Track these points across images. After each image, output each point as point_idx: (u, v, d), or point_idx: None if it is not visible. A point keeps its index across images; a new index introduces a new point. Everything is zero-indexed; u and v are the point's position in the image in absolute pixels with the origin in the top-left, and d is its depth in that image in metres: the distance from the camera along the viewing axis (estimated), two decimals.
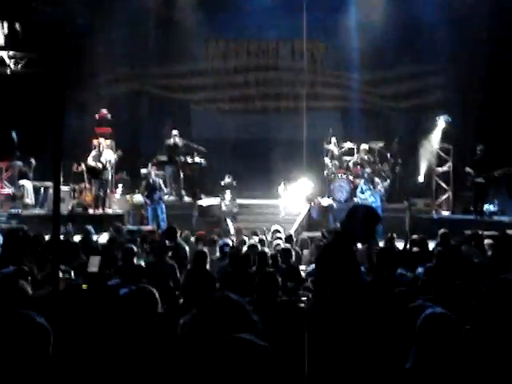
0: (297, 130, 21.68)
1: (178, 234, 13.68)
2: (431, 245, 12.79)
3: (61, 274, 7.41)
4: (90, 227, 14.46)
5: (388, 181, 19.25)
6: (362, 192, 18.20)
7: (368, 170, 19.01)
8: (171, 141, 20.03)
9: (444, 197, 19.91)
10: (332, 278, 6.07)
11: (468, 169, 18.66)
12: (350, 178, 19.58)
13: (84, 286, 5.01)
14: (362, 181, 18.51)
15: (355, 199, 18.51)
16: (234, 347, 2.43)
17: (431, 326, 3.86)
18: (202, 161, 20.10)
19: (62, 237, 13.21)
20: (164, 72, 22.72)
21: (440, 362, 3.73)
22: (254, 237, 14.12)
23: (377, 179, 18.56)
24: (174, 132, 20.11)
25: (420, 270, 9.53)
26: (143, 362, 4.09)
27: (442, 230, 13.73)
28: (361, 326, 4.50)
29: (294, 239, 14.30)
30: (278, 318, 4.96)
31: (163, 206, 18.45)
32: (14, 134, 19.59)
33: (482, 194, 18.71)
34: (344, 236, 6.39)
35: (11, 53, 19.89)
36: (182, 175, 20.03)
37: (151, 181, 18.54)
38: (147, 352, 4.22)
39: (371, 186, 18.20)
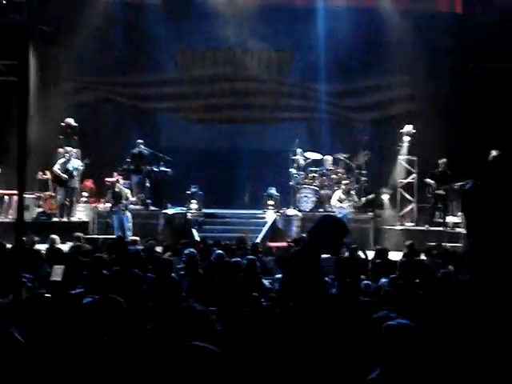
0: (263, 141, 21.77)
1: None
2: (395, 256, 12.90)
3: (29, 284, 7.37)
4: (55, 236, 14.36)
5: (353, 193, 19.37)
6: (340, 201, 18.38)
7: (345, 181, 19.21)
8: (136, 150, 19.98)
9: (408, 208, 20.09)
10: (296, 288, 6.08)
11: (428, 180, 18.89)
12: (316, 188, 19.66)
13: (47, 295, 4.97)
14: (340, 190, 18.69)
15: (333, 208, 18.61)
16: (187, 354, 2.43)
17: (394, 336, 3.89)
18: (168, 170, 20.06)
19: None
20: (131, 81, 22.63)
21: (403, 372, 3.76)
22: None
23: (352, 191, 18.76)
24: (139, 141, 20.07)
25: (383, 280, 9.62)
26: (104, 371, 4.06)
27: (407, 242, 13.87)
28: (324, 336, 4.53)
29: (260, 249, 14.33)
30: (243, 327, 4.96)
31: (129, 215, 18.41)
32: None
33: (443, 206, 18.97)
34: (310, 246, 6.41)
35: None
36: (148, 184, 19.96)
37: (117, 189, 18.49)
38: (109, 360, 4.19)
39: (349, 197, 18.42)
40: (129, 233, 17.76)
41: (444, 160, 18.85)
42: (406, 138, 20.18)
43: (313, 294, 5.92)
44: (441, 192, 18.69)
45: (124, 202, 18.34)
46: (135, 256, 11.59)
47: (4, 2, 13.27)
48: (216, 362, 2.42)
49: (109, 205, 18.80)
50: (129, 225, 18.29)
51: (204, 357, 2.42)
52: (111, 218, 18.55)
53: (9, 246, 13.19)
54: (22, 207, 4.44)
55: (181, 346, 2.46)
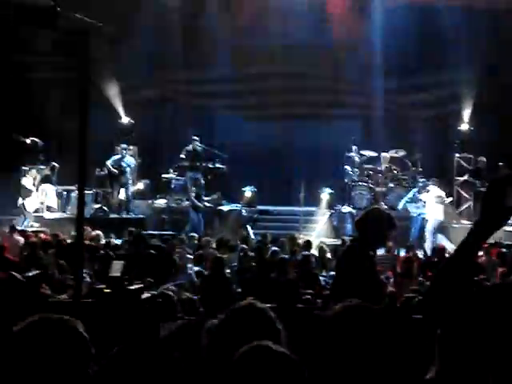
0: (319, 138, 21.68)
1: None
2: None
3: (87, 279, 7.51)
4: (98, 232, 14.63)
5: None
6: (415, 201, 18.29)
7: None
8: (191, 146, 20.06)
9: (465, 206, 19.83)
10: (350, 285, 6.05)
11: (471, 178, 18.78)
12: (371, 185, 19.50)
13: (106, 291, 5.06)
14: (416, 189, 18.57)
15: (403, 207, 18.54)
16: (255, 355, 2.44)
17: (452, 334, 3.85)
18: (223, 166, 20.13)
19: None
20: (188, 78, 22.74)
21: (462, 370, 3.72)
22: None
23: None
24: (194, 137, 20.15)
25: None
26: (164, 368, 4.11)
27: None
28: (384, 334, 4.47)
29: (314, 246, 14.33)
30: (298, 325, 4.97)
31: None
32: (37, 139, 19.76)
33: None
34: (358, 242, 6.34)
35: (36, 58, 20.08)
36: (203, 181, 20.07)
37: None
38: (168, 357, 4.24)
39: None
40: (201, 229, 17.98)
41: (483, 158, 18.67)
42: (463, 136, 19.94)
43: (368, 292, 5.90)
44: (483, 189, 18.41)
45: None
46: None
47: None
48: (285, 363, 2.43)
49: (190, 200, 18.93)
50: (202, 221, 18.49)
51: (273, 358, 2.43)
52: (190, 214, 18.64)
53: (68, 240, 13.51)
54: (82, 203, 4.52)
55: (248, 346, 2.46)
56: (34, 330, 2.56)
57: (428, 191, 18.26)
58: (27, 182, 19.06)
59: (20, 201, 18.74)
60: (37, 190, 19.49)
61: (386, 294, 6.59)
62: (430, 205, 17.91)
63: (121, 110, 21.26)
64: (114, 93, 21.11)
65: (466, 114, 20.70)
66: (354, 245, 6.35)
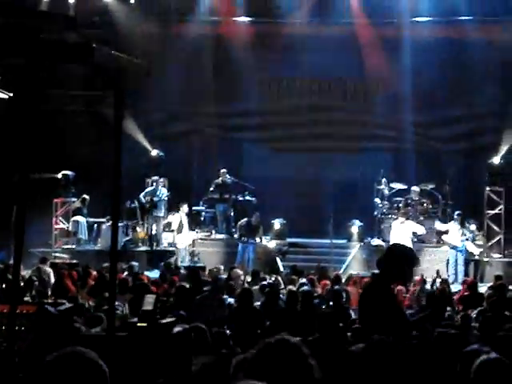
0: (348, 170, 21.68)
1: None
2: (481, 288, 12.67)
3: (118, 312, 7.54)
4: (135, 263, 14.71)
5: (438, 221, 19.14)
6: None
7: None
8: (220, 179, 20.16)
9: (495, 239, 19.68)
10: (374, 320, 6.03)
11: None
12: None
13: (140, 324, 5.09)
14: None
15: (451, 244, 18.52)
16: None
17: (487, 371, 3.83)
18: (253, 199, 20.18)
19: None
20: (216, 111, 22.93)
21: None
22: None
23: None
24: (223, 170, 20.25)
25: (473, 312, 9.44)
26: None
27: (496, 273, 13.60)
28: (413, 368, 4.47)
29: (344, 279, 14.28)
30: (330, 361, 4.96)
31: (254, 247, 18.61)
32: (68, 172, 19.99)
33: None
34: (381, 277, 6.34)
35: (67, 92, 20.37)
36: (232, 213, 20.12)
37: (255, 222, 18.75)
38: None
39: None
40: (251, 264, 17.95)
41: None
42: (494, 169, 19.84)
43: (393, 326, 5.88)
44: None
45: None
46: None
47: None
48: None
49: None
50: (253, 256, 18.46)
51: None
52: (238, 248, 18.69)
53: (94, 272, 13.59)
54: (116, 235, 4.55)
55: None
56: (61, 364, 2.66)
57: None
58: (175, 219, 19.28)
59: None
60: (68, 222, 19.69)
61: (410, 325, 6.56)
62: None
63: (148, 144, 21.44)
64: (145, 125, 21.31)
65: (497, 146, 20.59)
66: (375, 280, 6.36)
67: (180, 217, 19.14)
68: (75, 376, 2.64)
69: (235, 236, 19.35)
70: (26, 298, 10.59)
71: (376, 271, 14.73)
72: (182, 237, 18.98)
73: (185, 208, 19.24)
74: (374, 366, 2.85)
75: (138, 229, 19.70)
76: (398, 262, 6.12)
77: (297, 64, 21.98)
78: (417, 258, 6.42)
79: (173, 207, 20.30)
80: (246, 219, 18.93)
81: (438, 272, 15.36)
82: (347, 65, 21.75)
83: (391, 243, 6.98)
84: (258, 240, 18.88)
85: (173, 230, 19.85)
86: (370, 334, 5.48)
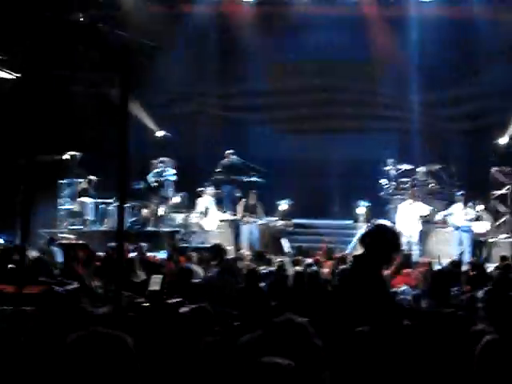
0: (354, 151, 21.66)
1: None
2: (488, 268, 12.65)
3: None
4: (144, 244, 14.73)
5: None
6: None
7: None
8: (226, 160, 20.13)
9: (502, 220, 19.64)
10: (358, 308, 5.84)
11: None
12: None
13: (145, 304, 5.11)
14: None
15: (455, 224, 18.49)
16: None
17: (491, 352, 3.83)
18: (259, 180, 20.15)
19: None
20: (222, 92, 22.89)
21: None
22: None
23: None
24: (230, 151, 20.22)
25: (479, 293, 9.43)
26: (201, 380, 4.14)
27: (502, 254, 13.58)
28: (417, 349, 4.46)
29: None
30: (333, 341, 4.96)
31: (255, 226, 18.64)
32: (75, 152, 20.01)
33: None
34: (367, 260, 6.08)
35: (74, 72, 20.32)
36: (238, 194, 20.12)
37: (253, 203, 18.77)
38: (205, 369, 4.27)
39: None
40: (257, 243, 18.04)
41: None
42: (500, 149, 19.78)
43: (381, 312, 5.75)
44: None
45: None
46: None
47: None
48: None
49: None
50: (256, 236, 18.53)
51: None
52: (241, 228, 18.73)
53: (100, 253, 13.63)
54: (122, 216, 4.56)
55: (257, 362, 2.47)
56: (86, 344, 2.62)
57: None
58: (201, 202, 19.24)
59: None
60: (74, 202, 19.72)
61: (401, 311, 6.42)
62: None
63: (153, 124, 21.41)
64: (151, 106, 21.28)
65: (504, 126, 20.51)
66: (360, 263, 6.09)
67: (206, 200, 19.03)
68: (101, 357, 2.58)
69: (237, 217, 19.32)
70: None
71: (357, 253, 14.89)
72: (208, 219, 18.86)
73: (210, 191, 19.14)
74: (381, 347, 2.85)
75: (144, 210, 19.72)
76: (386, 246, 5.96)
77: (302, 44, 21.89)
78: (399, 241, 6.24)
79: (180, 188, 20.30)
80: (243, 200, 18.97)
81: (439, 257, 15.34)
82: (352, 45, 21.64)
83: (378, 223, 6.72)
84: (259, 219, 18.85)
85: (178, 211, 19.88)
86: (354, 322, 5.41)
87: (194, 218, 19.07)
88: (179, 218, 19.69)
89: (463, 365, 4.59)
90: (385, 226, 6.69)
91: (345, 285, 6.09)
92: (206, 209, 18.91)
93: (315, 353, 2.88)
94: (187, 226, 19.19)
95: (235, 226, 19.09)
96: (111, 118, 15.78)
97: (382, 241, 6.03)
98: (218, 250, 12.89)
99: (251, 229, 18.56)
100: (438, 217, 19.06)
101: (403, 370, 3.23)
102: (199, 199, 19.29)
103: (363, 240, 6.06)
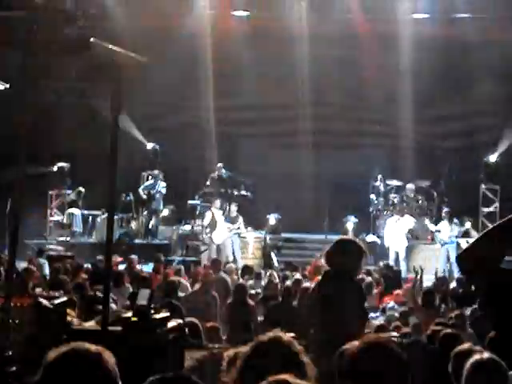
0: (343, 166, 21.68)
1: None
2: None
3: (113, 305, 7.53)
4: (134, 256, 14.70)
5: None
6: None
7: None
8: (216, 174, 20.13)
9: None
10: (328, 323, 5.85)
11: None
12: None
13: (133, 319, 5.09)
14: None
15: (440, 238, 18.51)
16: None
17: (479, 371, 3.83)
18: (248, 194, 20.14)
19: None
20: (213, 105, 22.87)
21: None
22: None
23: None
24: (219, 164, 20.22)
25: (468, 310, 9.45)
26: None
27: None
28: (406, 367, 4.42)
29: None
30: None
31: (236, 238, 18.59)
32: (64, 164, 19.97)
33: None
34: (339, 272, 6.14)
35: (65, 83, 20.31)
36: (228, 207, 20.08)
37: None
38: None
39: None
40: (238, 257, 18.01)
41: None
42: (490, 167, 19.87)
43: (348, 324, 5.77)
44: None
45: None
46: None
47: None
48: None
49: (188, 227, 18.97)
50: (237, 247, 18.47)
51: None
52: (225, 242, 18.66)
53: (86, 265, 13.60)
54: (111, 228, 4.56)
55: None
56: (65, 361, 2.62)
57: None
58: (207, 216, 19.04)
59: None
60: (63, 214, 19.67)
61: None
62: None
63: (142, 137, 21.40)
64: (140, 118, 21.26)
65: (494, 144, 20.60)
66: (334, 276, 6.16)
67: (212, 213, 18.88)
68: (80, 375, 2.60)
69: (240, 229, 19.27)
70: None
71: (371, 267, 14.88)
72: (217, 232, 18.72)
73: (217, 203, 19.02)
74: (369, 365, 2.84)
75: (133, 222, 19.69)
76: (354, 256, 6.07)
77: (294, 59, 21.92)
78: (363, 250, 6.36)
79: (168, 200, 20.27)
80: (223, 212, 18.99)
81: (421, 270, 15.24)
82: (344, 60, 21.69)
83: (338, 238, 6.80)
84: (240, 231, 18.77)
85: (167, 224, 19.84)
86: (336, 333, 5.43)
87: (203, 231, 18.96)
88: (187, 228, 19.58)
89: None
90: (348, 238, 6.83)
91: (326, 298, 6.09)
92: (213, 221, 18.72)
93: (302, 370, 2.87)
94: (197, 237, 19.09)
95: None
96: (101, 129, 15.80)
97: (357, 251, 6.16)
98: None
99: (232, 241, 18.51)
100: (427, 233, 19.11)
101: None
102: (206, 213, 19.09)
103: (340, 254, 6.13)
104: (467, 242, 18.34)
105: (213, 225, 18.65)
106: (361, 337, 3.60)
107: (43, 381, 2.61)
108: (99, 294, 8.99)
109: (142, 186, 19.54)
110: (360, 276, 14.98)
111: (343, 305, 5.83)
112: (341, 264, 6.09)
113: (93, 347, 2.66)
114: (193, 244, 19.15)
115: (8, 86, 16.89)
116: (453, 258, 17.94)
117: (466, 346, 4.90)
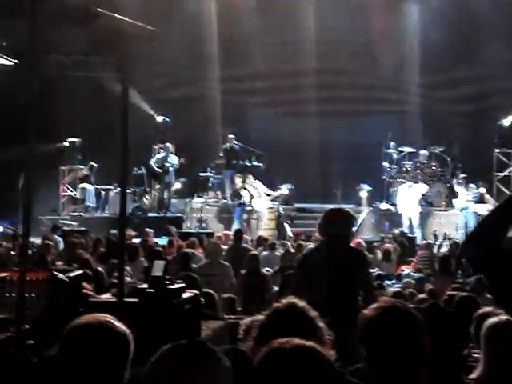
0: (355, 134, 21.57)
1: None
2: None
3: (127, 278, 7.55)
4: (150, 230, 14.72)
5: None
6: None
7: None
8: (227, 144, 20.06)
9: None
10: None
11: None
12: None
13: (149, 290, 5.10)
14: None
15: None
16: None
17: (497, 333, 3.79)
18: (260, 164, 20.08)
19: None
20: (222, 75, 22.75)
21: (510, 370, 3.65)
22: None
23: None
24: (231, 136, 20.14)
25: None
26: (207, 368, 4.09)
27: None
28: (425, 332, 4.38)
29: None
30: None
31: (241, 209, 18.59)
32: (75, 139, 19.97)
33: None
34: (336, 240, 6.13)
35: (72, 57, 20.23)
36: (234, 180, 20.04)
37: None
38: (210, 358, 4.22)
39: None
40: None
41: None
42: (503, 130, 19.71)
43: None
44: None
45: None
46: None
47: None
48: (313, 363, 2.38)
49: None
50: (241, 218, 18.44)
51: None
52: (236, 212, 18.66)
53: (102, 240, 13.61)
54: (124, 202, 4.55)
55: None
56: (82, 331, 2.69)
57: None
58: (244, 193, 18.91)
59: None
60: (76, 189, 19.70)
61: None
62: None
63: (151, 109, 21.31)
64: (150, 90, 21.17)
65: (507, 108, 20.42)
66: (332, 245, 6.14)
67: (248, 188, 18.82)
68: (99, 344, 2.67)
69: (228, 202, 19.29)
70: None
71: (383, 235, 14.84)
72: (259, 200, 18.72)
73: (250, 179, 19.00)
74: (388, 330, 2.81)
75: (146, 196, 19.69)
76: (344, 223, 6.09)
77: (301, 26, 21.75)
78: (353, 219, 6.40)
79: (179, 173, 20.23)
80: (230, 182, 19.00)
81: (445, 235, 15.23)
82: (352, 27, 21.54)
83: (327, 209, 6.78)
84: (247, 201, 18.73)
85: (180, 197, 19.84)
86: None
87: (254, 202, 18.88)
88: (180, 203, 19.61)
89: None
90: (338, 209, 6.83)
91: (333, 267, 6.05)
92: (251, 196, 18.66)
93: (318, 335, 2.87)
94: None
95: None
96: (111, 103, 15.76)
97: (349, 219, 6.19)
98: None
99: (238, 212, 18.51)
100: (441, 199, 19.04)
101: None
102: (246, 184, 19.01)
103: (333, 224, 6.13)
104: (487, 210, 18.29)
105: (258, 193, 18.68)
106: (374, 300, 3.58)
107: (61, 354, 2.64)
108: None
109: (152, 159, 19.48)
110: (378, 243, 15.14)
111: (342, 268, 5.86)
112: (334, 233, 6.10)
113: (105, 318, 2.70)
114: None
115: (16, 61, 16.87)
116: (470, 224, 17.87)
117: (488, 308, 4.85)
